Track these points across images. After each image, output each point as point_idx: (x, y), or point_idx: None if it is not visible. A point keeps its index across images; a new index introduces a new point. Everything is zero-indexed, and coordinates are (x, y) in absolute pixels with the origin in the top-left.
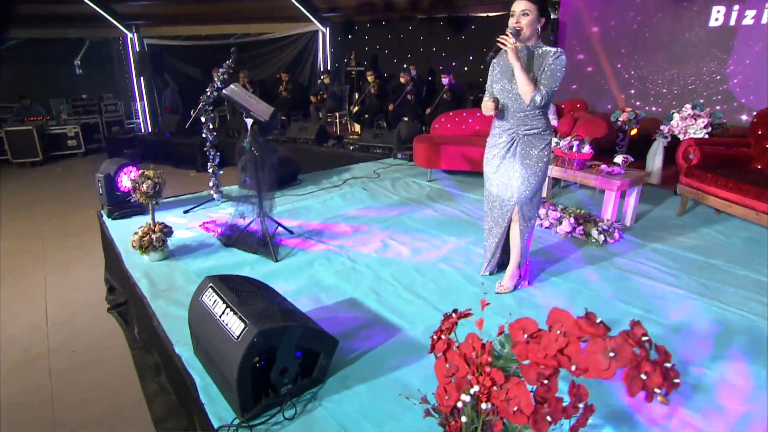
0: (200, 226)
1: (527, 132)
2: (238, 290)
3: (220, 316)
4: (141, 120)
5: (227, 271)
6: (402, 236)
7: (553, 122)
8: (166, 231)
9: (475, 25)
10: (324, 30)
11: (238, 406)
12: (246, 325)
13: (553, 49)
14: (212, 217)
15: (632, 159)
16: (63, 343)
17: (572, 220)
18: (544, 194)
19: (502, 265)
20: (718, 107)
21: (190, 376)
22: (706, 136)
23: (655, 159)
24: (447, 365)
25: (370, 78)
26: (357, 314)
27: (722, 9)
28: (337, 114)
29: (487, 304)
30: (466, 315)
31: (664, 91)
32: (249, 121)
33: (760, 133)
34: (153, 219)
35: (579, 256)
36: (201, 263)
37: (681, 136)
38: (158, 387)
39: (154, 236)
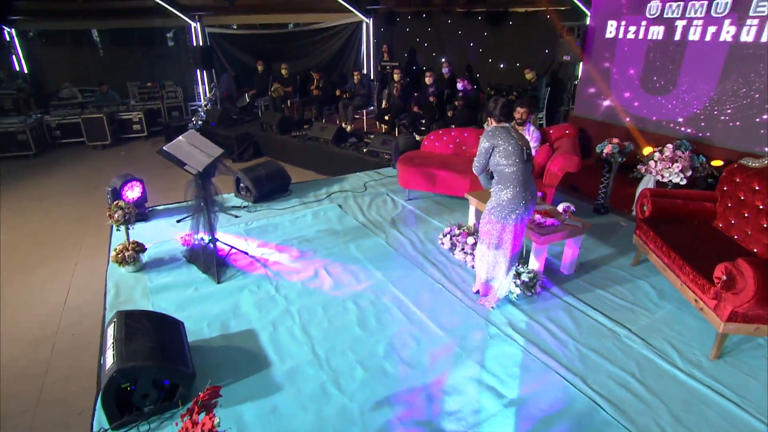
0: (181, 238)
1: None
2: (132, 328)
3: (107, 348)
4: (203, 103)
5: (177, 289)
6: (335, 266)
7: (534, 150)
8: (139, 249)
9: (513, 21)
10: (368, 21)
11: (106, 418)
12: (113, 361)
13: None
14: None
15: (573, 209)
16: (70, 325)
17: None
18: None
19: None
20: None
21: (99, 384)
22: (684, 182)
23: None
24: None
25: (395, 77)
26: (246, 345)
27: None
28: (365, 111)
29: None
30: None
31: (716, 113)
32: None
33: (725, 189)
34: (128, 239)
35: (483, 307)
36: (162, 279)
37: (659, 178)
38: None
39: (127, 253)
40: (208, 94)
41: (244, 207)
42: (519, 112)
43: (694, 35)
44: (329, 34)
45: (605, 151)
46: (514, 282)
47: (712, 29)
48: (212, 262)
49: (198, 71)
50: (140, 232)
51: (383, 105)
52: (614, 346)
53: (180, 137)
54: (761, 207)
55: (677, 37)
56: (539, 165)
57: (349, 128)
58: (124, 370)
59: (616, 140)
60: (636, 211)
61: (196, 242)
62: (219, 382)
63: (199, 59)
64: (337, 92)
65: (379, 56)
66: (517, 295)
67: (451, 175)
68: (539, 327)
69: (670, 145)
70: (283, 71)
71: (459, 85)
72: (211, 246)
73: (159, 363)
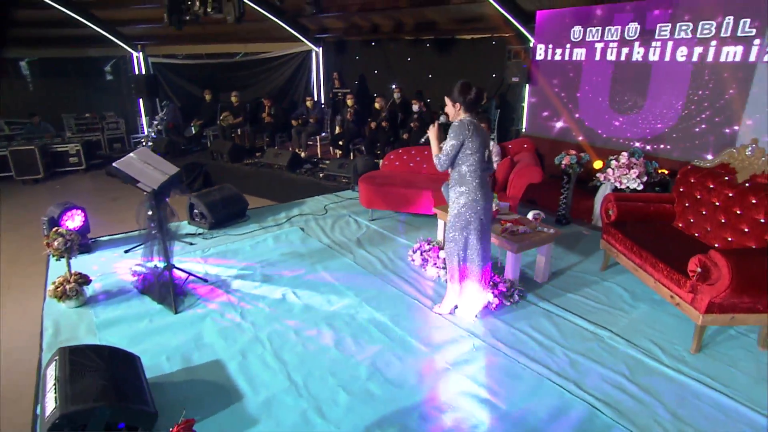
0: (130, 268)
1: (450, 184)
2: (78, 365)
3: (47, 392)
4: (146, 134)
5: (128, 322)
6: (304, 289)
7: (493, 165)
8: (82, 281)
9: (460, 48)
10: (317, 50)
11: None
12: (56, 406)
13: (457, 121)
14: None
15: (543, 216)
16: None
17: None
18: None
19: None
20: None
21: None
22: (641, 187)
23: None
24: None
25: (349, 102)
26: (213, 378)
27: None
28: (318, 138)
29: None
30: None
31: (659, 125)
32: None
33: (682, 190)
34: (69, 270)
35: (466, 321)
36: (110, 313)
37: (617, 185)
38: None
39: (68, 286)
40: (159, 113)
41: (200, 234)
42: None
43: (611, 56)
44: (279, 62)
45: (564, 162)
46: (492, 292)
47: (625, 50)
48: (168, 290)
49: (141, 101)
50: (82, 264)
51: (337, 131)
52: (600, 348)
53: (131, 154)
54: (717, 204)
55: (597, 57)
56: (501, 178)
57: (303, 154)
58: (69, 414)
59: (573, 152)
60: (601, 215)
61: (149, 271)
62: None
63: (143, 88)
64: (293, 122)
65: (330, 83)
66: (496, 305)
67: (415, 192)
68: (523, 335)
69: (625, 153)
70: (234, 99)
71: (415, 107)
72: (167, 273)
73: (113, 403)
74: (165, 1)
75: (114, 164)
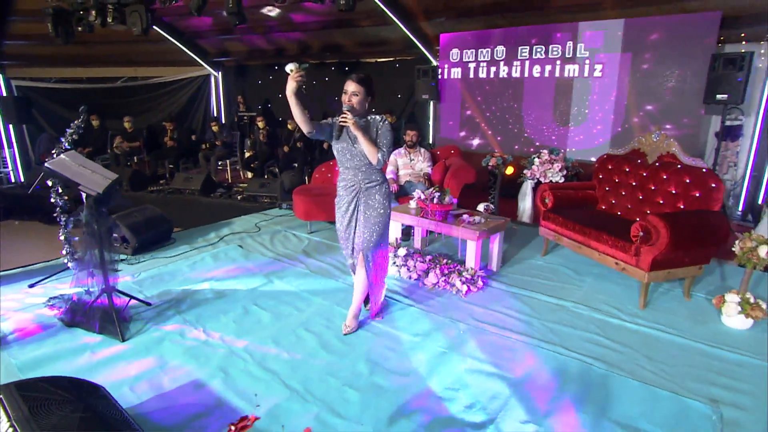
0: (45, 303)
1: (368, 185)
2: (37, 400)
3: None
4: (11, 169)
5: (62, 359)
6: (266, 300)
7: (428, 169)
8: None
9: (365, 70)
10: (216, 74)
11: None
12: None
13: (379, 117)
14: (61, 290)
15: (493, 207)
16: None
17: (438, 272)
18: (418, 245)
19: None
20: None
21: None
22: (562, 180)
23: (526, 199)
24: None
25: (260, 124)
26: (197, 400)
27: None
28: (228, 162)
29: None
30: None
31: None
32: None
33: (601, 176)
34: None
35: (440, 309)
36: (31, 352)
37: (542, 179)
38: None
39: None
40: (76, 121)
41: (122, 260)
42: (409, 134)
43: (482, 74)
44: (174, 87)
45: (490, 163)
46: (458, 280)
47: (492, 69)
48: (111, 316)
49: (6, 129)
50: None
51: (247, 154)
52: (570, 316)
53: (62, 155)
54: (634, 184)
55: (471, 75)
56: (438, 181)
57: (214, 179)
58: None
59: (498, 153)
60: (538, 205)
61: (77, 299)
62: None
63: (12, 112)
64: (203, 145)
65: (234, 106)
66: (465, 292)
67: None
68: (499, 314)
69: (545, 151)
70: (127, 124)
71: None
72: (106, 297)
73: None
74: (49, 10)
75: (46, 164)
